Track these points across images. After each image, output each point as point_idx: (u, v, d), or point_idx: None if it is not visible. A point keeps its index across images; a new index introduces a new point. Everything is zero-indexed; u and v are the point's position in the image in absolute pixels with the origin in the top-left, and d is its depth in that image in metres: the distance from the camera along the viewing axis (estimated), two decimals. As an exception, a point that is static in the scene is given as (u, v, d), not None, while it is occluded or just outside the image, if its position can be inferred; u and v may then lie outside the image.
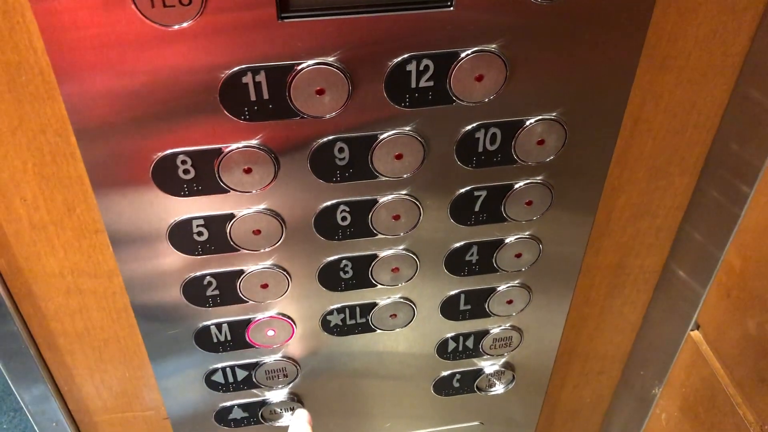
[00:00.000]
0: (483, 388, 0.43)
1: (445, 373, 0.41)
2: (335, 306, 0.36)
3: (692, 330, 0.37)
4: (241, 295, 0.34)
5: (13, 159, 0.28)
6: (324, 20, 0.25)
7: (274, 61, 0.26)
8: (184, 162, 0.29)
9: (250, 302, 0.34)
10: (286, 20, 0.25)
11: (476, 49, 0.27)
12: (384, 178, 0.31)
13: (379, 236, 0.33)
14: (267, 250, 0.32)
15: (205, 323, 0.35)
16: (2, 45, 0.25)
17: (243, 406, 0.40)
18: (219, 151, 0.28)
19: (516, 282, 0.37)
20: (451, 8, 0.26)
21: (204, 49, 0.25)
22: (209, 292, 0.34)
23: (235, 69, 0.26)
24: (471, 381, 0.42)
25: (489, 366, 0.42)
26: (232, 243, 0.31)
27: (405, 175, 0.31)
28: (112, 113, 0.27)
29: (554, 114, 0.30)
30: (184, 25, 0.25)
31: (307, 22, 0.25)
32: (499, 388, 0.43)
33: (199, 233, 0.31)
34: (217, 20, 0.25)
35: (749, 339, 0.32)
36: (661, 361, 0.40)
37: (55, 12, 0.23)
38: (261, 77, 0.27)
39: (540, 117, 0.30)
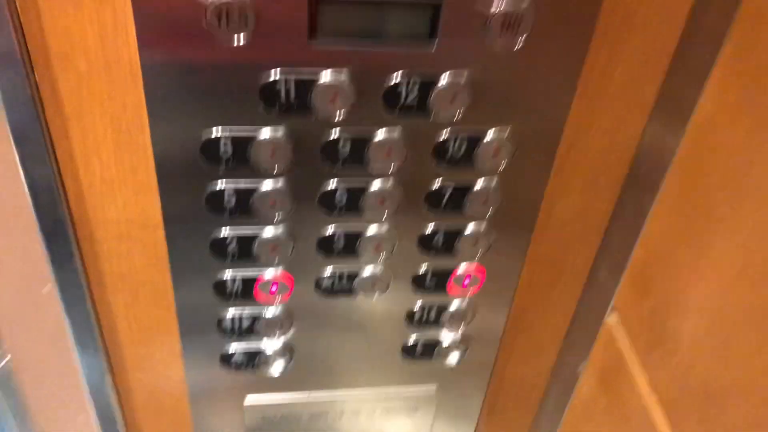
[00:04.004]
0: (441, 356, 0.52)
1: (411, 340, 0.50)
2: (328, 272, 0.45)
3: (609, 315, 0.46)
4: (254, 253, 0.43)
5: (98, 127, 0.37)
6: (340, 46, 0.35)
7: (301, 73, 0.35)
8: (225, 142, 0.38)
9: (261, 261, 0.43)
10: (312, 43, 0.35)
11: (450, 78, 0.37)
12: (375, 170, 0.40)
13: (368, 216, 0.42)
14: (278, 218, 0.41)
15: (223, 276, 0.44)
16: (106, 46, 0.34)
17: (244, 352, 0.49)
18: (252, 137, 0.38)
19: (473, 265, 0.46)
20: (434, 48, 0.36)
21: (251, 60, 0.35)
22: (230, 249, 0.42)
23: (272, 77, 0.35)
24: (431, 349, 0.51)
25: (447, 337, 0.51)
26: (253, 211, 0.40)
27: (390, 170, 0.40)
28: (176, 101, 0.36)
29: (507, 131, 0.39)
30: (240, 41, 0.34)
31: (328, 45, 0.35)
32: (453, 358, 0.52)
33: (229, 201, 0.40)
34: (263, 39, 0.34)
35: (644, 318, 0.41)
36: (585, 342, 0.49)
37: (152, 20, 0.33)
38: (291, 84, 0.36)
39: (496, 133, 0.39)
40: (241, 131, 0.37)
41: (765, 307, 0.31)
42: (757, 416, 0.31)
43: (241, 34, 0.33)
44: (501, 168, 0.41)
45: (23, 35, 0.33)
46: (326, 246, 0.43)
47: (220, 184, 0.39)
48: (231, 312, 0.46)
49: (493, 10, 0.34)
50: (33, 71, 0.35)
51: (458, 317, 0.49)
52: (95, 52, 0.35)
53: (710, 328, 0.35)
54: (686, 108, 0.36)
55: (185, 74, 0.35)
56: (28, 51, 0.34)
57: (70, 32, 0.34)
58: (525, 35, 0.35)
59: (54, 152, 0.38)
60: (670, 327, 0.38)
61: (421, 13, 0.35)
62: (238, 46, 0.34)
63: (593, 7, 0.36)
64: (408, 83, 0.37)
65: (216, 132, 0.37)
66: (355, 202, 0.41)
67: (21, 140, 0.37)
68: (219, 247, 0.42)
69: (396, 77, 0.36)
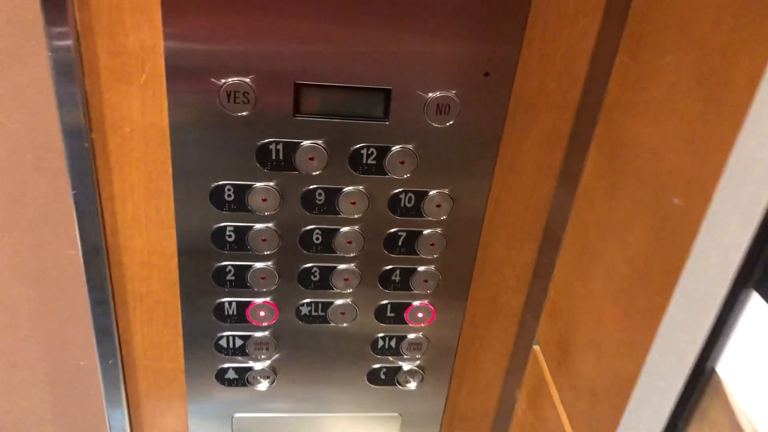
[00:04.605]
0: (401, 382, 0.61)
1: (375, 366, 0.60)
2: (306, 300, 0.56)
3: (534, 345, 0.56)
4: (247, 282, 0.54)
5: (133, 176, 0.49)
6: (318, 120, 0.47)
7: (288, 139, 0.48)
8: (228, 189, 0.50)
9: (252, 289, 0.54)
10: (297, 117, 0.47)
11: (400, 145, 0.49)
12: (344, 216, 0.51)
13: (338, 254, 0.53)
14: (268, 253, 0.53)
15: (222, 300, 0.55)
16: (145, 116, 0.47)
17: (235, 369, 0.59)
18: (250, 186, 0.49)
19: (425, 300, 0.57)
20: (388, 122, 0.48)
21: (252, 127, 0.47)
22: (228, 277, 0.54)
23: (266, 140, 0.48)
24: (393, 375, 0.61)
25: (406, 365, 0.60)
26: (248, 245, 0.52)
27: (356, 216, 0.52)
28: (193, 158, 0.48)
29: (446, 190, 0.51)
30: (244, 113, 0.46)
31: (308, 119, 0.47)
32: (412, 385, 0.61)
33: (229, 236, 0.52)
34: (261, 112, 0.47)
35: (555, 342, 0.51)
36: (519, 370, 0.58)
37: (180, 98, 0.46)
38: (280, 146, 0.48)
39: (437, 190, 0.51)
40: (241, 182, 0.49)
41: (624, 318, 0.41)
42: (623, 404, 0.41)
43: (244, 110, 0.46)
44: (443, 218, 0.52)
45: (88, 108, 0.46)
46: (305, 278, 0.54)
47: (223, 223, 0.51)
48: (227, 332, 0.56)
49: (429, 96, 0.47)
50: (91, 133, 0.47)
51: (415, 347, 0.59)
52: (137, 120, 0.47)
53: (592, 340, 0.45)
54: (577, 173, 0.48)
55: (201, 138, 0.47)
56: (90, 119, 0.47)
57: (121, 106, 0.47)
58: (454, 116, 0.48)
59: (99, 194, 0.50)
60: (570, 345, 0.48)
61: (376, 96, 0.47)
62: (241, 117, 0.46)
63: (503, 98, 0.48)
64: (368, 149, 0.49)
65: (221, 182, 0.49)
66: (328, 241, 0.53)
67: (76, 185, 0.49)
68: (220, 274, 0.53)
69: (359, 144, 0.49)
